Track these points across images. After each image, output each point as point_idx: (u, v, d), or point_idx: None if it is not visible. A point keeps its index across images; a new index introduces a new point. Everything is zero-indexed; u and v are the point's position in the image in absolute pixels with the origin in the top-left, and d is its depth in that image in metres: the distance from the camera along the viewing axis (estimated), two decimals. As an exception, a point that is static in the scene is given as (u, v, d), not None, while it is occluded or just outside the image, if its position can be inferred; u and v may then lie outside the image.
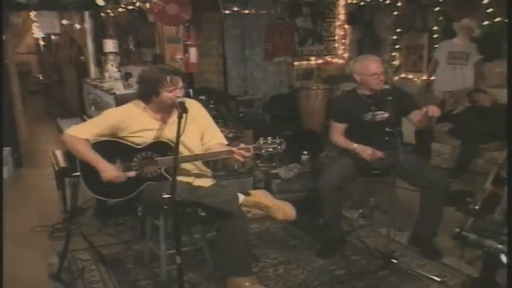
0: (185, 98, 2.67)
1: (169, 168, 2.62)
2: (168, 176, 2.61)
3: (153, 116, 2.73)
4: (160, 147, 2.65)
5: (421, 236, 3.20)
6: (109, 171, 2.60)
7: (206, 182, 2.79)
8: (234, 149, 2.63)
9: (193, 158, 2.70)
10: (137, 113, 2.72)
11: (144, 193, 2.68)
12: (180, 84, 2.63)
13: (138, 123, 2.69)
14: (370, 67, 3.10)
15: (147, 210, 2.95)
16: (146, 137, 2.68)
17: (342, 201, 3.25)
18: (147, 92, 2.68)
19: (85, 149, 2.63)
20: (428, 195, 3.09)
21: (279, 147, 2.62)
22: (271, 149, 2.61)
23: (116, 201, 2.90)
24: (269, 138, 2.62)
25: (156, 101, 2.67)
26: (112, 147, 2.67)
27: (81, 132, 2.67)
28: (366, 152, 3.10)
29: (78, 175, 2.73)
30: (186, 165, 2.74)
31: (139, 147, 2.67)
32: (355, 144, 3.16)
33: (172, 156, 2.50)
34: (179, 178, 2.50)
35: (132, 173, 2.65)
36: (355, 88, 3.29)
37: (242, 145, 2.65)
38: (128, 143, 2.68)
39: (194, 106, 2.82)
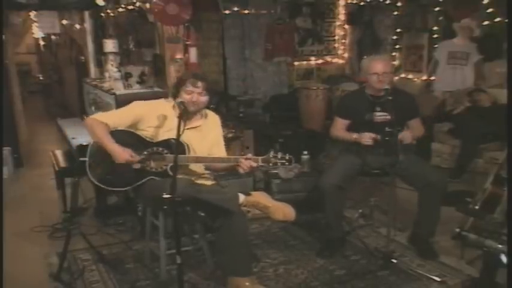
0: (208, 110, 2.83)
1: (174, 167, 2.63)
2: (171, 174, 2.61)
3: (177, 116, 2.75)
4: (173, 145, 2.66)
5: (417, 237, 3.20)
6: (122, 154, 2.62)
7: (207, 181, 2.82)
8: (242, 158, 2.62)
9: (197, 159, 2.71)
10: (164, 110, 2.79)
11: (145, 188, 2.69)
12: (200, 88, 2.69)
13: (160, 118, 2.75)
14: (373, 66, 3.13)
15: (147, 206, 2.95)
16: (163, 134, 2.73)
17: (344, 201, 3.25)
18: (174, 92, 2.78)
19: (101, 132, 2.68)
20: (425, 195, 3.10)
21: (287, 164, 2.58)
22: (279, 164, 2.57)
23: (116, 190, 2.87)
24: (279, 153, 2.58)
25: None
26: (126, 137, 2.72)
27: (103, 117, 2.75)
28: (365, 137, 3.10)
29: (84, 161, 2.76)
30: (192, 167, 2.77)
31: (152, 141, 2.71)
32: (355, 134, 3.17)
33: (182, 155, 2.57)
34: (181, 176, 2.52)
35: (137, 165, 2.67)
36: (363, 87, 3.30)
37: (250, 155, 2.63)
38: (143, 136, 2.73)
39: (214, 119, 2.94)
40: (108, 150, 2.64)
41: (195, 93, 2.69)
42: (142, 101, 2.89)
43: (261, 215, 2.81)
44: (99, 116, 2.77)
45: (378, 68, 3.11)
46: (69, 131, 4.39)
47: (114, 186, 2.80)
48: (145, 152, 2.69)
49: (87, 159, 2.75)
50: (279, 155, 2.56)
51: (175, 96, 2.77)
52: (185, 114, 2.45)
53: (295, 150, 4.37)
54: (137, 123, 2.76)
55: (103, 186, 2.77)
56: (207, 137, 2.82)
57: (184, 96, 2.69)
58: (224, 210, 2.52)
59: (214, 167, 2.88)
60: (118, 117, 2.76)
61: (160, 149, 2.69)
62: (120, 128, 2.74)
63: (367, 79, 3.18)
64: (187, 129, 2.69)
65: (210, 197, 2.56)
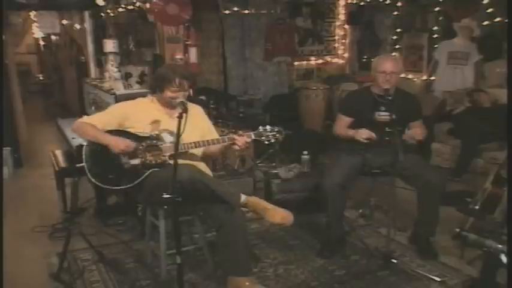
0: (188, 102, 2.74)
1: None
2: (171, 163, 2.61)
3: (160, 109, 2.82)
4: (166, 136, 2.71)
5: (418, 236, 3.20)
6: (117, 142, 2.65)
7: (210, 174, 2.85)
8: (235, 136, 2.68)
9: (196, 144, 2.71)
10: (145, 105, 2.84)
11: (147, 181, 2.69)
12: (185, 87, 2.72)
13: (145, 114, 2.79)
14: (381, 65, 3.12)
15: (148, 204, 2.93)
16: (152, 128, 2.75)
17: (345, 201, 3.25)
18: (155, 86, 2.80)
19: (92, 130, 2.72)
20: (424, 195, 3.09)
21: (278, 135, 2.68)
22: (270, 137, 2.67)
23: (119, 188, 2.87)
24: (268, 126, 2.68)
25: (160, 96, 2.77)
26: (119, 135, 2.72)
27: (89, 119, 2.81)
28: (361, 134, 3.11)
29: (82, 166, 2.75)
30: (191, 157, 2.77)
31: (145, 135, 2.73)
32: (351, 131, 3.19)
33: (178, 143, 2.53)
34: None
35: (136, 160, 2.68)
36: (369, 86, 3.30)
37: (241, 132, 2.71)
38: (134, 132, 2.74)
39: (196, 110, 2.95)
40: (105, 143, 2.67)
41: (181, 91, 2.70)
42: (123, 102, 2.96)
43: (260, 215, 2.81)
44: (86, 119, 2.81)
45: (386, 66, 3.10)
46: (69, 131, 4.40)
47: (117, 185, 2.79)
48: (140, 147, 2.70)
49: (84, 163, 2.74)
50: (269, 128, 2.68)
51: (155, 91, 2.79)
52: (186, 113, 2.42)
53: (295, 150, 4.41)
54: (123, 122, 2.77)
55: (106, 187, 2.77)
56: (195, 126, 2.79)
57: (169, 94, 2.70)
58: (226, 203, 2.53)
59: (211, 152, 2.90)
60: (103, 118, 2.79)
61: (154, 141, 2.72)
62: (108, 129, 2.75)
63: (375, 77, 3.18)
64: (175, 119, 2.71)
65: (215, 187, 2.56)
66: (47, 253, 3.28)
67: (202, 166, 2.85)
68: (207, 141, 2.74)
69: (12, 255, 3.21)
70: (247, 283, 2.56)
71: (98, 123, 2.75)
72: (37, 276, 3.01)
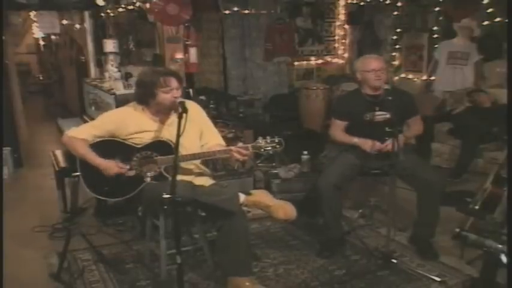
0: (184, 99, 2.68)
1: (168, 167, 2.62)
2: (167, 176, 2.62)
3: (151, 118, 2.76)
4: (160, 146, 2.67)
5: (418, 236, 3.20)
6: (110, 167, 2.62)
7: (207, 182, 2.80)
8: (233, 147, 2.64)
9: (192, 156, 2.69)
10: (135, 115, 2.76)
11: (143, 192, 2.69)
12: (175, 84, 2.66)
13: (136, 124, 2.72)
14: (369, 64, 3.13)
15: (147, 210, 2.95)
16: (145, 138, 2.71)
17: (341, 201, 3.25)
18: (145, 95, 2.71)
19: (84, 149, 2.67)
20: (424, 196, 3.09)
21: (278, 147, 2.62)
22: (269, 148, 2.61)
23: (116, 200, 2.91)
24: (268, 137, 2.63)
25: (154, 103, 2.70)
26: (111, 146, 2.69)
27: (80, 133, 2.73)
28: (367, 144, 3.12)
29: (78, 175, 2.75)
30: (186, 165, 2.75)
31: (138, 146, 2.69)
32: (356, 138, 3.17)
33: (171, 156, 2.51)
34: (179, 177, 2.51)
35: (131, 172, 2.66)
36: (358, 88, 3.30)
37: (240, 144, 2.68)
38: (127, 143, 2.70)
39: (193, 108, 2.83)
40: (95, 165, 2.64)
41: (173, 89, 2.64)
42: (112, 110, 2.94)
43: (261, 214, 2.82)
44: (75, 133, 2.74)
45: (374, 64, 3.11)
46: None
47: (113, 196, 2.81)
48: (134, 159, 2.67)
49: (79, 172, 2.75)
50: (268, 139, 2.62)
51: (147, 100, 2.70)
52: (186, 113, 2.41)
53: (295, 150, 4.41)
54: (115, 133, 2.72)
55: (102, 198, 2.77)
56: (192, 127, 2.70)
57: (164, 96, 2.64)
58: (225, 211, 2.52)
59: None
60: (94, 131, 2.73)
61: (148, 152, 2.68)
62: (98, 140, 2.72)
63: (364, 77, 3.17)
64: (168, 126, 2.72)
65: (210, 199, 2.55)
66: (47, 253, 3.28)
67: (197, 170, 2.83)
68: (203, 153, 2.71)
69: (12, 255, 3.22)
70: (247, 283, 2.56)
71: (87, 136, 2.70)
72: (37, 276, 3.01)
